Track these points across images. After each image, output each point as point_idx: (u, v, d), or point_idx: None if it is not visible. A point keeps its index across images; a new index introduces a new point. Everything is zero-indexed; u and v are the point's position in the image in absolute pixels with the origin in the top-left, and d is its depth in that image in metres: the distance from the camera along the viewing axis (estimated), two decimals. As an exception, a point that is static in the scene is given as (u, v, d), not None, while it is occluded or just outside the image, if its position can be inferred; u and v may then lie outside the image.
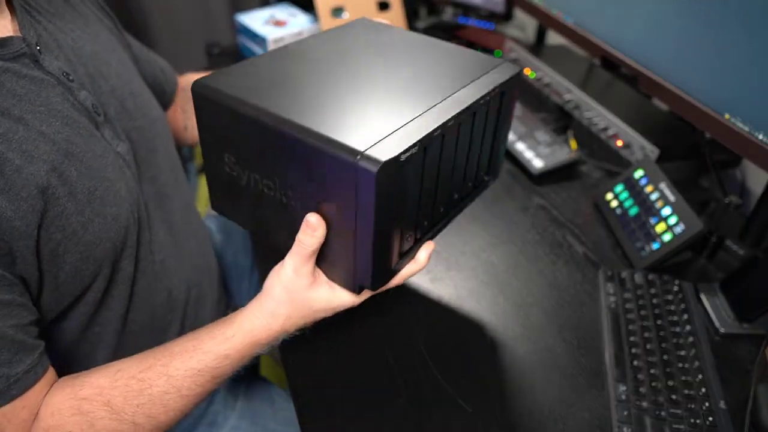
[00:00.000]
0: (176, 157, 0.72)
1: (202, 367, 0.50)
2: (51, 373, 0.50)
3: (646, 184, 0.80)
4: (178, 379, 0.50)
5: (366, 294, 0.52)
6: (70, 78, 0.53)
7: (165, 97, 0.80)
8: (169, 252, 0.65)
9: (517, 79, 0.55)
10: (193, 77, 0.86)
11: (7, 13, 0.51)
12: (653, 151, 0.86)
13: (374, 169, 0.39)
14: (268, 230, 0.53)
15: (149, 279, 0.61)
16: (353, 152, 0.40)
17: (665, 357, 0.63)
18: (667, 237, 0.74)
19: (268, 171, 0.48)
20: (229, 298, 0.88)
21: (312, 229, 0.46)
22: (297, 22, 1.26)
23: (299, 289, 0.50)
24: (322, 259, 0.49)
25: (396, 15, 1.27)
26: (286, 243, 0.50)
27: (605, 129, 0.95)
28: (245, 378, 0.77)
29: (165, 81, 0.80)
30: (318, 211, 0.46)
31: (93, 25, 0.63)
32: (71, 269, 0.50)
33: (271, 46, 1.20)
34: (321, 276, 0.50)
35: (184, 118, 0.86)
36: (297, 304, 0.50)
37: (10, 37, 0.49)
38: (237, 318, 0.52)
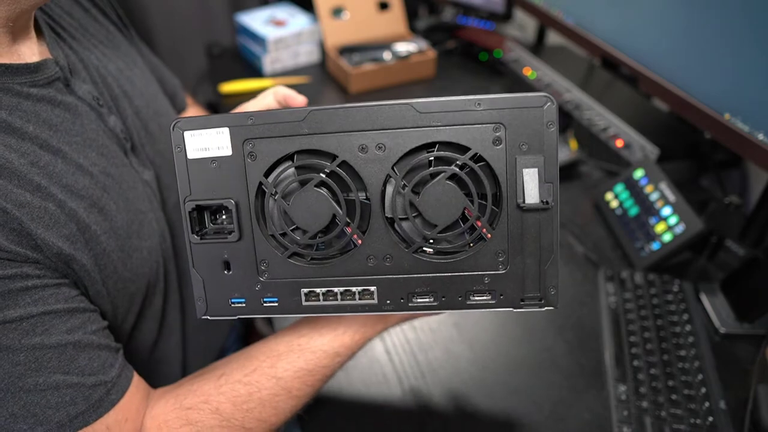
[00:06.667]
0: None
1: (312, 368, 0.47)
2: (140, 378, 0.48)
3: (646, 184, 0.80)
4: (287, 381, 0.47)
5: None
6: (100, 103, 0.51)
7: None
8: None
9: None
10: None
11: (33, 33, 0.48)
12: (653, 151, 0.86)
13: None
14: None
15: (177, 311, 0.61)
16: None
17: (665, 357, 0.63)
18: (667, 237, 0.74)
19: None
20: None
21: None
22: (297, 22, 1.26)
23: None
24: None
25: (396, 15, 1.27)
26: None
27: (605, 129, 0.95)
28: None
29: (176, 103, 0.77)
30: None
31: (114, 37, 0.60)
32: (108, 307, 0.48)
33: (271, 46, 1.20)
34: None
35: None
36: None
37: (44, 61, 0.46)
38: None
